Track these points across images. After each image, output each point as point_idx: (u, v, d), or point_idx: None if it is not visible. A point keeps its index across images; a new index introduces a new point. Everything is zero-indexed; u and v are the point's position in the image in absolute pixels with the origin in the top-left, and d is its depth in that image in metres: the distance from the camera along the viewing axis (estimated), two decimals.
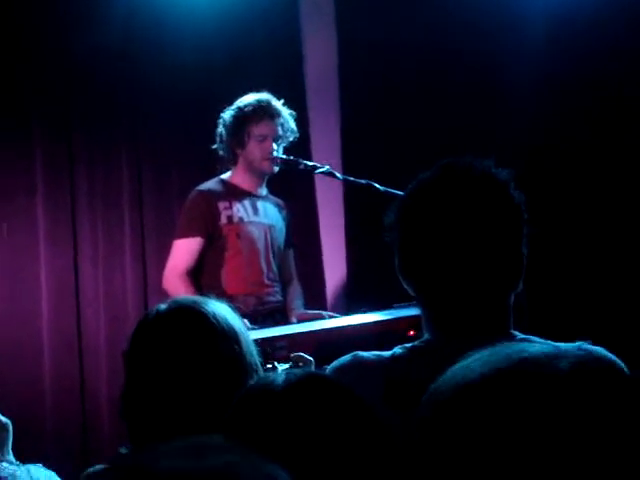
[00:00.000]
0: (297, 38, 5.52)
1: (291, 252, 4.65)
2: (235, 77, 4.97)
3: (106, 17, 5.03)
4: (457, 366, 1.00)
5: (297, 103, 5.28)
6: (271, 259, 4.46)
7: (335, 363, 1.87)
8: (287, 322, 4.25)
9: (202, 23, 5.16)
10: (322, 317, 4.21)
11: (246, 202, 4.43)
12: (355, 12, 5.43)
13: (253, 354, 1.98)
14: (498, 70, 5.30)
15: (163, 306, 2.02)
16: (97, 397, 5.11)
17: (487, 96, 5.34)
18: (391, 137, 5.36)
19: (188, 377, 1.89)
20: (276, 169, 4.39)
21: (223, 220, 4.36)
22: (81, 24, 5.06)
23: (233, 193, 4.41)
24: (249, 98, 4.39)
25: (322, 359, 2.72)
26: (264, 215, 4.47)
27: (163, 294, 4.22)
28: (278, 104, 4.39)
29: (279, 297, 4.47)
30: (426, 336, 1.83)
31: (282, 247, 4.56)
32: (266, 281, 4.42)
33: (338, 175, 4.34)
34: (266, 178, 4.49)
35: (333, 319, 3.98)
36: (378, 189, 3.99)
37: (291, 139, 4.43)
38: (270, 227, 4.48)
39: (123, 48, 5.18)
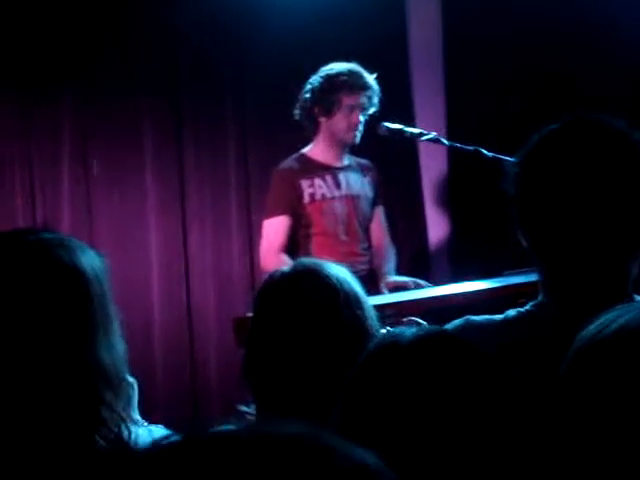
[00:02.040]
0: (402, 5, 5.47)
1: (380, 210, 4.63)
2: (340, 45, 4.95)
3: None
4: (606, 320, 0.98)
5: (401, 68, 5.28)
6: (358, 229, 4.48)
7: (447, 327, 1.85)
8: (376, 289, 4.25)
9: (308, 3, 5.15)
10: (409, 286, 4.21)
11: (327, 177, 4.43)
12: None
13: (374, 319, 1.99)
14: (613, 28, 5.15)
15: (287, 269, 2.04)
16: (207, 363, 5.21)
17: (598, 58, 5.21)
18: (497, 103, 5.28)
19: (312, 339, 1.91)
20: (358, 139, 4.38)
21: (306, 199, 4.39)
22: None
23: (314, 169, 4.42)
24: (340, 66, 4.36)
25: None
26: (347, 187, 4.47)
27: (263, 274, 4.26)
28: (369, 76, 4.36)
29: (368, 265, 4.49)
30: (540, 298, 1.80)
31: (370, 213, 4.55)
32: (356, 251, 4.45)
33: (445, 141, 4.29)
34: (349, 147, 4.47)
35: (436, 287, 3.97)
36: (486, 155, 3.93)
37: (371, 112, 4.37)
38: (354, 198, 4.48)
39: (226, 22, 5.22)
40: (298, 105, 4.44)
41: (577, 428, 0.95)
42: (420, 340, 1.38)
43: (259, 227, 5.21)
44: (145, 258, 5.19)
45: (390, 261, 4.60)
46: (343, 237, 4.43)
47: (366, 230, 4.54)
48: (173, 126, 5.27)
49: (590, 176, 1.69)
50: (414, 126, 4.68)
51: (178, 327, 5.20)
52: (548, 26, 5.23)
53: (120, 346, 1.69)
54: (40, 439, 1.55)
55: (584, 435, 0.95)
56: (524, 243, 1.79)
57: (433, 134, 4.23)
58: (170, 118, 5.27)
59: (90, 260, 1.67)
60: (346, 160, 4.51)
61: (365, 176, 4.57)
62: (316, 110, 4.38)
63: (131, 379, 1.83)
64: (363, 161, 4.61)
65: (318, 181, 4.41)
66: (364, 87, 4.33)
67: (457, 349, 1.39)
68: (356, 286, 2.02)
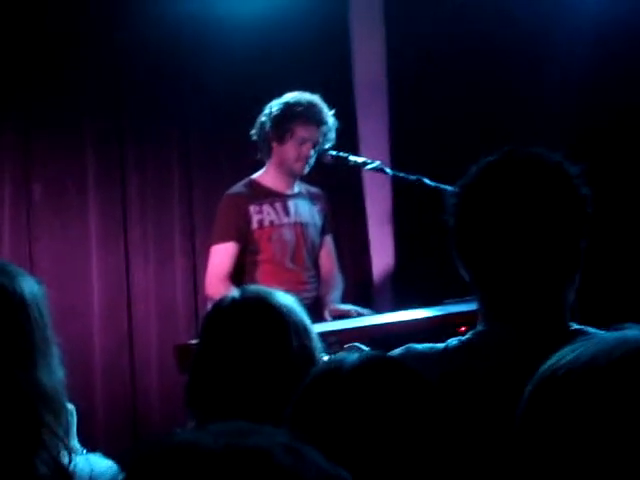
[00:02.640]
0: (346, 35, 5.52)
1: (329, 239, 4.64)
2: (284, 75, 4.98)
3: (155, 17, 5.07)
4: (573, 354, 0.99)
5: (345, 99, 5.31)
6: (305, 258, 4.47)
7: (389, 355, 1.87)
8: (320, 317, 4.25)
9: (251, 23, 5.17)
10: (351, 315, 4.23)
11: (276, 204, 4.43)
12: (404, 10, 5.42)
13: (320, 349, 1.99)
14: (546, 67, 5.27)
15: (237, 295, 2.03)
16: (148, 390, 5.17)
17: (535, 93, 5.32)
18: (440, 133, 5.34)
19: (260, 368, 1.91)
20: (306, 171, 4.39)
21: (254, 225, 4.38)
22: (129, 23, 5.10)
23: (263, 195, 4.41)
24: (301, 96, 4.37)
25: None
26: (295, 214, 4.46)
27: (208, 301, 4.24)
28: (328, 112, 4.37)
29: (315, 293, 4.48)
30: (479, 327, 1.82)
31: (318, 241, 4.55)
32: (302, 279, 4.43)
33: (388, 170, 4.33)
34: (297, 177, 4.48)
35: (378, 315, 3.99)
36: (428, 185, 3.97)
37: (326, 146, 4.39)
38: (302, 225, 4.48)
39: (172, 46, 5.22)
40: (256, 125, 4.44)
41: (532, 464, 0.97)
42: (362, 365, 1.39)
43: (202, 253, 5.21)
44: (87, 285, 5.14)
45: (336, 290, 4.60)
46: (290, 265, 4.41)
47: (314, 258, 4.53)
48: (116, 151, 5.25)
49: (525, 207, 1.74)
50: (359, 155, 4.72)
51: (119, 354, 5.15)
52: (489, 61, 5.32)
53: (59, 371, 1.70)
54: None
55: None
56: (463, 273, 1.82)
57: (377, 163, 4.28)
58: (113, 144, 5.24)
59: (29, 286, 1.70)
60: (296, 188, 4.51)
61: (315, 204, 4.57)
62: (270, 134, 4.38)
63: (70, 406, 1.82)
64: (313, 189, 4.61)
65: (267, 207, 4.40)
66: (319, 122, 4.34)
67: (398, 375, 1.41)
68: (304, 316, 2.04)
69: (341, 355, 1.48)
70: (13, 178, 5.07)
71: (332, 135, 4.39)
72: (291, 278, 4.34)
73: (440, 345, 1.83)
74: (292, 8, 5.24)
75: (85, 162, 5.19)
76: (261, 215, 4.39)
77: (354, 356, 1.42)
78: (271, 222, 4.40)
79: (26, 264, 4.91)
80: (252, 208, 4.38)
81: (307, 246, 4.48)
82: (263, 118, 4.40)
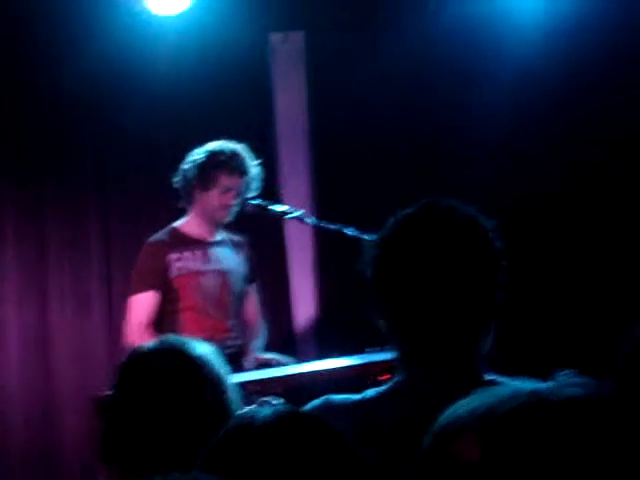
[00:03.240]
0: (268, 86, 5.57)
1: (253, 288, 4.61)
2: (207, 126, 4.99)
3: (71, 61, 5.04)
4: (466, 406, 1.01)
5: (267, 149, 5.34)
6: (228, 305, 4.41)
7: (307, 407, 1.87)
8: (242, 365, 4.23)
9: (175, 75, 5.19)
10: (272, 363, 4.22)
11: (197, 251, 4.39)
12: (324, 65, 5.49)
13: (237, 401, 1.98)
14: (465, 121, 5.38)
15: (152, 345, 2.01)
16: (65, 448, 5.07)
17: (455, 145, 5.42)
18: (362, 181, 5.40)
19: (173, 420, 1.89)
20: (229, 219, 4.38)
21: (174, 272, 4.32)
22: (50, 70, 5.07)
23: (184, 243, 4.37)
24: (225, 146, 4.36)
25: (294, 404, 2.72)
26: (217, 262, 4.42)
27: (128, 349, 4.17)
28: (252, 162, 4.37)
29: (239, 341, 4.43)
30: (397, 377, 1.84)
31: (242, 289, 4.52)
32: (225, 327, 4.38)
33: (309, 220, 4.35)
34: (220, 225, 4.46)
35: (299, 364, 4.00)
36: (348, 234, 4.00)
37: (250, 195, 4.39)
38: (225, 273, 4.43)
39: (92, 91, 5.19)
40: (178, 173, 4.40)
41: None
42: (274, 421, 1.39)
43: (121, 302, 5.14)
44: (3, 334, 5.04)
45: (259, 338, 4.57)
46: (212, 312, 4.35)
47: (238, 306, 4.48)
48: (34, 198, 5.17)
49: (441, 259, 1.77)
50: (280, 204, 4.74)
51: (38, 403, 5.05)
52: (418, 104, 5.41)
53: None
54: None
55: None
56: (380, 322, 1.84)
57: (299, 212, 4.29)
58: (30, 196, 5.17)
59: None
60: (218, 235, 4.47)
61: (238, 252, 4.53)
62: (194, 182, 4.35)
63: None
64: (236, 237, 4.58)
65: (187, 254, 4.35)
66: (243, 172, 4.33)
67: (309, 429, 1.41)
68: (221, 367, 2.02)
69: (253, 409, 1.47)
70: None
71: (256, 184, 4.38)
72: (214, 326, 4.29)
73: (357, 395, 1.84)
74: (216, 59, 5.27)
75: (3, 215, 5.12)
76: (181, 262, 4.34)
77: (266, 410, 1.42)
78: (191, 270, 4.35)
79: None
80: (172, 255, 4.33)
81: (230, 294, 4.44)
82: (186, 166, 4.38)
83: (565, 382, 0.99)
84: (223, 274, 4.43)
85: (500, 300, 1.81)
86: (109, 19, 5.06)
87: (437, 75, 5.40)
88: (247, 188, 4.36)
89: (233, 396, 1.97)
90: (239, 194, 4.34)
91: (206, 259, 4.40)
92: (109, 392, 2.11)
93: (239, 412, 1.87)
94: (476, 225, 1.81)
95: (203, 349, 1.99)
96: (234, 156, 4.33)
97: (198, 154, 4.36)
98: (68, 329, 5.17)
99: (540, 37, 5.22)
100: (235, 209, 4.35)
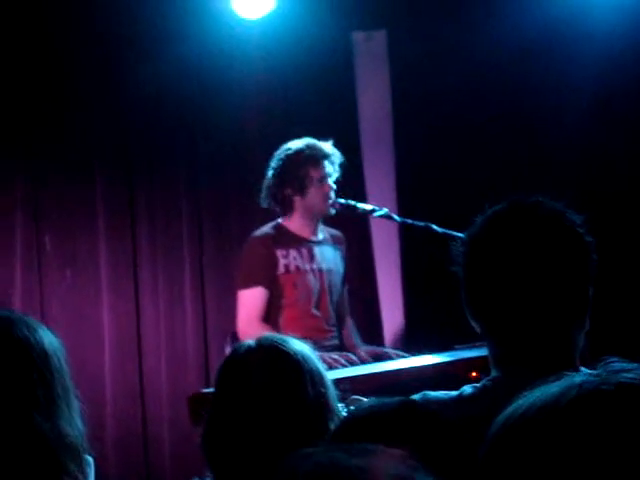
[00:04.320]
0: (352, 85, 5.60)
1: (346, 288, 4.62)
2: (293, 123, 5.04)
3: (162, 62, 5.14)
4: (529, 397, 1.03)
5: (352, 148, 5.37)
6: (328, 305, 4.43)
7: None
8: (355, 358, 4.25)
9: (260, 71, 5.26)
10: (387, 354, 4.23)
11: (303, 249, 4.39)
12: (408, 63, 5.49)
13: (335, 397, 2.01)
14: (550, 117, 5.33)
15: (252, 343, 2.05)
16: (159, 441, 5.16)
17: (540, 142, 5.37)
18: (446, 179, 5.39)
19: (276, 416, 1.92)
20: (333, 211, 4.40)
21: (281, 269, 4.33)
22: (140, 71, 5.17)
23: (290, 240, 4.38)
24: (296, 144, 4.37)
25: None
26: (321, 260, 4.43)
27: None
28: (326, 144, 4.39)
29: (336, 341, 4.44)
30: (494, 373, 1.84)
31: (340, 288, 4.54)
32: (324, 327, 4.39)
33: (396, 217, 4.35)
34: (321, 220, 4.49)
35: (398, 360, 4.00)
36: (436, 231, 4.00)
37: (336, 177, 4.40)
38: (328, 272, 4.45)
39: (183, 95, 5.30)
40: (265, 192, 4.40)
41: None
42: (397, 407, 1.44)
43: (213, 300, 5.22)
44: (97, 335, 5.15)
45: (357, 333, 4.58)
46: (313, 311, 4.36)
47: (336, 306, 4.49)
48: (126, 202, 5.29)
49: (532, 256, 1.78)
50: (365, 202, 4.76)
51: (131, 401, 5.16)
52: (500, 104, 5.38)
53: (79, 420, 1.73)
54: None
55: None
56: (472, 322, 1.85)
57: (385, 210, 4.30)
58: (123, 194, 5.29)
59: (49, 338, 1.75)
60: (320, 234, 4.49)
61: (338, 250, 4.55)
62: (288, 192, 4.35)
63: (89, 458, 1.84)
64: (336, 233, 4.59)
65: (293, 252, 4.36)
66: (326, 156, 4.35)
67: (428, 420, 1.45)
68: (319, 364, 2.05)
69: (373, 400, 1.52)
70: (24, 229, 5.11)
71: (339, 162, 4.39)
72: (313, 325, 4.31)
73: (454, 392, 1.85)
74: (300, 59, 5.32)
75: (95, 211, 5.24)
76: (287, 260, 4.35)
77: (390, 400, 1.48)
78: (297, 267, 4.36)
79: (37, 314, 4.94)
80: (279, 252, 4.34)
81: (331, 293, 4.44)
82: (272, 180, 4.37)
83: (615, 369, 1.00)
84: (326, 274, 4.44)
85: (593, 294, 1.81)
86: (197, 22, 5.15)
87: (521, 71, 5.35)
88: (334, 169, 4.37)
89: (332, 391, 2.00)
90: (331, 177, 4.35)
91: (311, 258, 4.41)
92: (204, 390, 2.15)
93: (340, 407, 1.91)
94: (565, 220, 1.81)
95: (301, 346, 2.03)
96: (310, 148, 4.35)
97: (277, 165, 4.36)
98: (161, 326, 5.26)
99: (627, 23, 5.16)
100: (337, 202, 4.34)
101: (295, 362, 1.97)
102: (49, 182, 5.18)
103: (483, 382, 1.84)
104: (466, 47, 5.31)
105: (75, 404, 1.74)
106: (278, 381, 1.95)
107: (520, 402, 1.04)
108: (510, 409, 1.04)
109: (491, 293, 1.81)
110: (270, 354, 1.99)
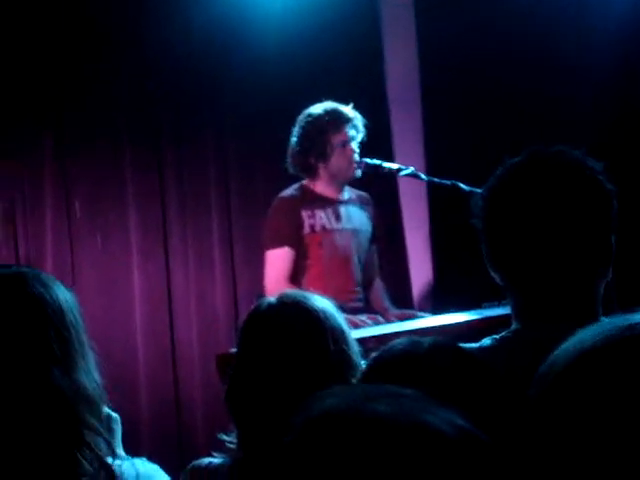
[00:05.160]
0: (378, 41, 5.55)
1: (375, 248, 4.60)
2: (318, 82, 5.02)
3: (185, 24, 5.14)
4: (566, 343, 1.02)
5: (379, 105, 5.35)
6: (355, 265, 4.42)
7: None
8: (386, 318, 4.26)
9: (283, 29, 5.22)
10: (417, 316, 4.23)
11: (329, 209, 4.39)
12: (435, 15, 5.44)
13: (358, 353, 2.02)
14: (576, 69, 5.28)
15: (274, 300, 2.06)
16: (191, 402, 5.22)
17: (566, 93, 5.32)
18: (474, 137, 5.35)
19: (298, 371, 1.94)
20: (359, 173, 4.39)
21: (306, 229, 4.34)
22: (166, 34, 5.17)
23: (315, 200, 4.38)
24: (316, 110, 4.36)
25: None
26: (347, 221, 4.44)
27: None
28: (346, 108, 4.37)
29: (361, 303, 4.43)
30: (514, 326, 1.84)
31: (368, 249, 4.53)
32: (350, 287, 4.39)
33: (423, 176, 4.34)
34: (348, 182, 4.48)
35: (426, 318, 4.00)
36: (463, 189, 3.99)
37: (361, 139, 4.39)
38: (354, 232, 4.45)
39: (208, 58, 5.29)
40: (289, 160, 4.42)
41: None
42: (433, 348, 1.47)
43: (242, 263, 5.24)
44: (128, 297, 5.21)
45: (387, 296, 4.58)
46: (339, 271, 4.37)
47: (363, 266, 4.48)
48: (155, 168, 5.32)
49: (552, 205, 1.77)
50: (393, 161, 4.74)
51: (162, 364, 5.21)
52: (525, 59, 5.33)
53: (96, 373, 1.75)
54: (22, 458, 1.59)
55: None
56: (494, 274, 1.85)
57: (411, 169, 4.28)
58: (152, 160, 5.32)
59: (63, 293, 1.77)
60: (346, 194, 4.49)
61: (365, 210, 4.55)
62: (312, 159, 4.36)
63: (115, 415, 1.86)
64: (362, 194, 4.59)
65: (319, 212, 4.37)
66: (347, 120, 4.34)
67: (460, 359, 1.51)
68: (342, 320, 2.06)
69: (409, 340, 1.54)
70: (54, 195, 5.16)
71: (361, 125, 4.37)
72: (339, 285, 4.29)
73: (475, 344, 1.85)
74: (324, 13, 5.26)
75: (124, 176, 5.27)
76: (313, 220, 4.36)
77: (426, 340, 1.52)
78: (323, 227, 4.36)
79: (69, 278, 5.00)
80: (304, 212, 4.35)
81: (358, 253, 4.44)
82: (295, 147, 4.38)
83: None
84: (353, 233, 4.45)
85: (615, 242, 1.80)
86: None
87: (546, 22, 5.29)
88: (357, 131, 4.36)
89: (354, 348, 2.01)
90: (354, 141, 4.34)
91: (336, 217, 4.41)
92: (232, 350, 2.16)
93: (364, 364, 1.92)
94: (585, 168, 1.79)
95: (324, 303, 2.03)
96: (330, 113, 4.33)
97: (297, 133, 4.36)
98: (191, 289, 5.30)
99: None
100: (363, 161, 4.32)
101: (317, 319, 1.97)
102: (78, 149, 5.21)
103: (502, 334, 1.85)
104: (494, 6, 5.26)
105: (91, 357, 1.76)
106: (299, 337, 1.96)
107: (560, 348, 1.03)
108: (551, 356, 1.03)
109: (512, 245, 1.80)
110: (291, 310, 2.00)
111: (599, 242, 1.79)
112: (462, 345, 1.86)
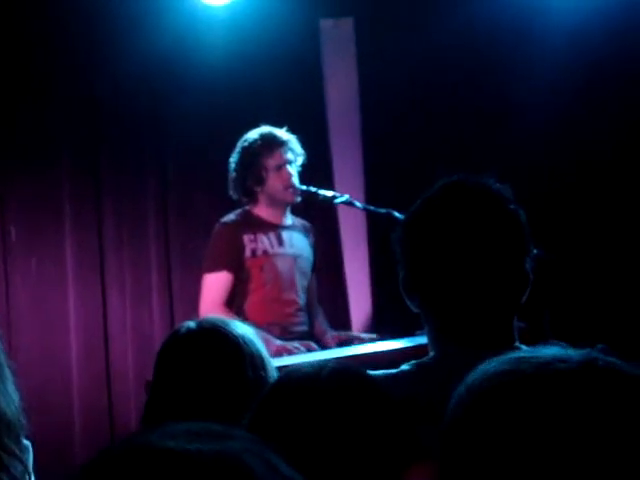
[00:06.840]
0: (319, 72, 5.59)
1: (313, 275, 4.62)
2: (259, 111, 5.02)
3: (128, 50, 5.13)
4: (472, 376, 1.04)
5: (319, 135, 5.37)
6: (297, 289, 4.44)
7: None
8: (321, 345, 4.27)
9: (225, 58, 5.23)
10: (357, 338, 4.25)
11: (271, 234, 4.40)
12: (375, 44, 5.49)
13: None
14: (516, 103, 5.34)
15: (193, 324, 2.04)
16: (127, 430, 5.15)
17: (509, 122, 5.38)
18: (414, 165, 5.39)
19: (214, 398, 1.91)
20: (298, 198, 4.41)
21: (247, 254, 4.35)
22: (106, 60, 5.16)
23: (257, 225, 4.39)
24: (251, 135, 4.41)
25: None
26: (290, 245, 4.45)
27: None
28: (280, 131, 4.41)
29: (305, 327, 4.44)
30: (432, 353, 1.85)
31: (309, 274, 4.55)
32: (292, 311, 4.40)
33: (358, 204, 4.37)
34: (289, 207, 4.50)
35: (364, 344, 4.01)
36: (397, 217, 4.01)
37: (301, 162, 4.42)
38: (296, 257, 4.46)
39: (148, 87, 5.29)
40: (230, 185, 4.46)
41: None
42: (328, 378, 1.45)
43: (179, 290, 5.22)
44: (63, 324, 5.14)
45: (325, 319, 4.61)
46: (281, 295, 4.38)
47: (305, 291, 4.50)
48: (92, 190, 5.28)
49: (466, 236, 1.79)
50: (333, 189, 4.76)
51: (97, 390, 5.15)
52: (466, 87, 5.39)
53: (15, 394, 1.71)
54: None
55: None
56: (409, 301, 1.86)
57: (346, 196, 4.31)
58: (89, 183, 5.28)
59: None
60: (289, 219, 4.51)
61: (307, 237, 4.57)
62: (249, 183, 4.39)
63: (26, 442, 1.82)
64: (305, 222, 4.62)
65: (261, 237, 4.38)
66: (281, 143, 4.37)
67: (362, 384, 1.50)
68: (261, 347, 2.04)
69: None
70: None
71: (298, 148, 4.41)
72: (282, 310, 4.33)
73: (393, 370, 1.86)
74: (266, 46, 5.29)
75: (62, 200, 5.22)
76: (255, 244, 4.36)
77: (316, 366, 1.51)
78: (264, 251, 4.37)
79: (2, 305, 4.94)
80: (246, 237, 4.35)
81: (300, 278, 4.46)
82: (233, 174, 4.42)
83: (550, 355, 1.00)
84: (295, 258, 4.46)
85: (531, 269, 1.82)
86: (162, 9, 5.13)
87: (488, 56, 5.36)
88: (294, 154, 4.39)
89: (273, 374, 2.00)
90: (291, 164, 4.37)
91: (279, 242, 4.42)
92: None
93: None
94: (494, 196, 1.82)
95: (244, 328, 2.02)
96: (263, 137, 4.37)
97: (234, 159, 4.41)
98: (127, 313, 5.26)
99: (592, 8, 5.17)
100: (298, 188, 4.36)
101: (235, 345, 1.96)
102: (15, 170, 5.15)
103: (419, 360, 1.86)
104: (433, 34, 5.31)
105: (10, 380, 1.72)
106: (216, 363, 1.95)
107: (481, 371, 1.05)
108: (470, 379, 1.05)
109: (429, 272, 1.82)
110: (210, 336, 1.98)
111: (512, 268, 1.81)
112: (370, 371, 1.88)
